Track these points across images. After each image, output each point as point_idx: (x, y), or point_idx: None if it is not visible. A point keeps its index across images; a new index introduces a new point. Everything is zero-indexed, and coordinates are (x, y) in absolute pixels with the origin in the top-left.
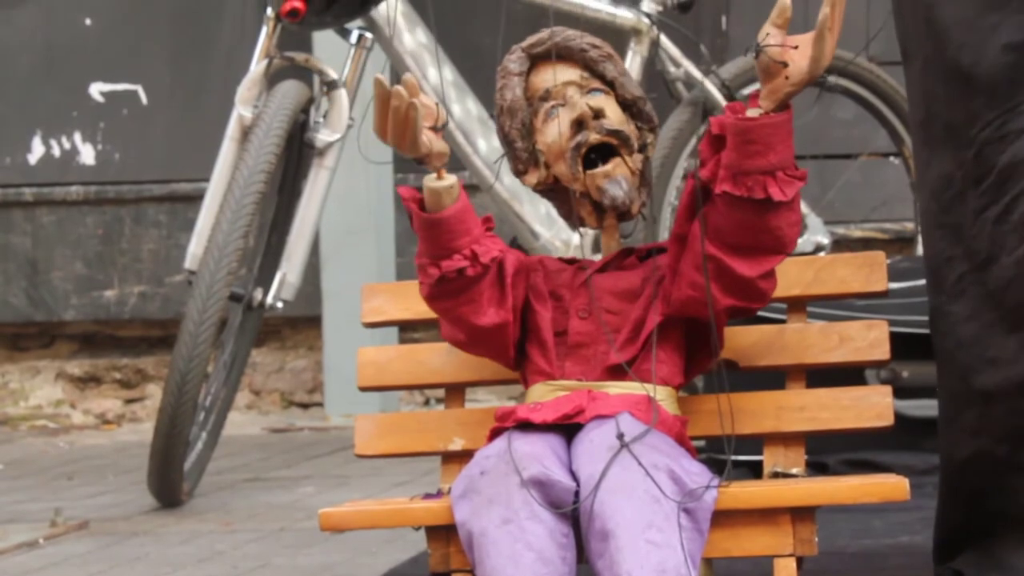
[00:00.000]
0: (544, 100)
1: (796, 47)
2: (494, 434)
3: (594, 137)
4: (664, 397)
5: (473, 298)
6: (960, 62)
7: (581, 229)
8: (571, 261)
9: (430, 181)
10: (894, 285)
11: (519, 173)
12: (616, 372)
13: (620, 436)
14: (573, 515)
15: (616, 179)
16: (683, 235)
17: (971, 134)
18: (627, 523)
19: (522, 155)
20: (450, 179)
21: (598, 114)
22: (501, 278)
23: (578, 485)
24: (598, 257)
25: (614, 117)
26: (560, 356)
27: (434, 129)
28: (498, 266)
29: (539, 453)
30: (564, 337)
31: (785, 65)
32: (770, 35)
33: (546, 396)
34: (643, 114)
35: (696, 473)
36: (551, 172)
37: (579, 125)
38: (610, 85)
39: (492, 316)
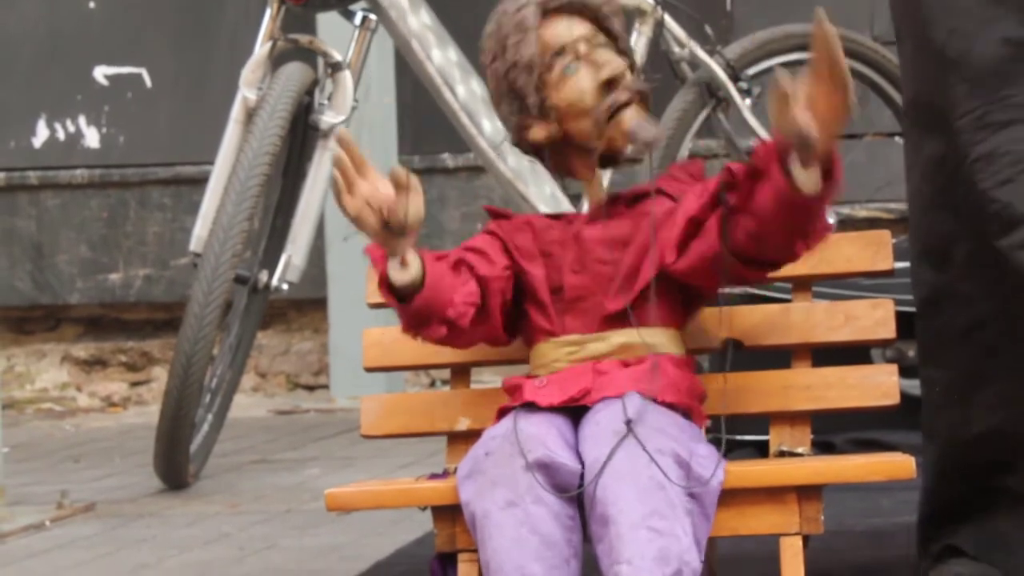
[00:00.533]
0: (558, 55)
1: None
2: (501, 413)
3: (624, 96)
4: (666, 340)
5: (460, 337)
6: (947, 47)
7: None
8: (558, 216)
9: (396, 274)
10: (899, 264)
11: (523, 128)
12: (615, 321)
13: (628, 422)
14: (579, 497)
15: (642, 122)
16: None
17: (951, 120)
18: (629, 510)
19: (532, 110)
20: (414, 266)
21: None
22: (484, 311)
23: (583, 468)
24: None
25: (628, 73)
26: (559, 312)
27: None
28: (478, 306)
29: (544, 435)
30: (561, 293)
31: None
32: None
33: (550, 355)
34: (635, 67)
35: (704, 456)
36: (562, 128)
37: (609, 84)
38: (614, 39)
39: (481, 336)
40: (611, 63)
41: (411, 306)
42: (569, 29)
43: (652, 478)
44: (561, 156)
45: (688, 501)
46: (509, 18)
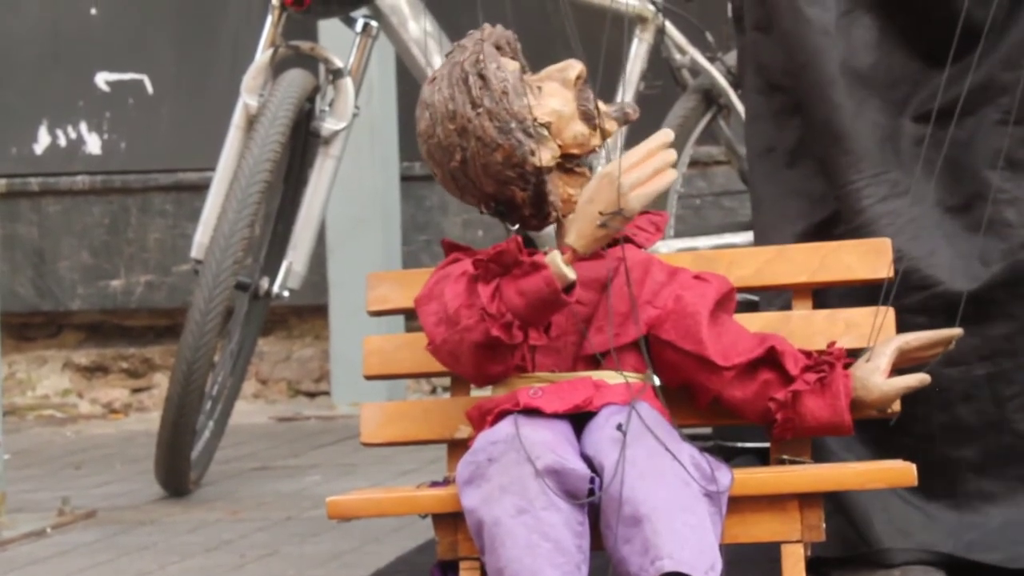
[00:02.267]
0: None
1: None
2: (497, 418)
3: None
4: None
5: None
6: (832, 120)
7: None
8: (530, 253)
9: (566, 269)
10: None
11: (523, 163)
12: (590, 362)
13: (619, 427)
14: (588, 503)
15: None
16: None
17: (835, 186)
18: (662, 507)
19: (531, 133)
20: (571, 270)
21: None
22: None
23: (594, 472)
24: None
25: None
26: (530, 348)
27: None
28: None
29: (551, 441)
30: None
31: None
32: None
33: (521, 388)
34: None
35: (708, 461)
36: (556, 142)
37: (577, 79)
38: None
39: (502, 365)
40: (571, 64)
41: (568, 300)
42: (511, 60)
43: (677, 476)
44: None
45: (707, 501)
46: (467, 62)
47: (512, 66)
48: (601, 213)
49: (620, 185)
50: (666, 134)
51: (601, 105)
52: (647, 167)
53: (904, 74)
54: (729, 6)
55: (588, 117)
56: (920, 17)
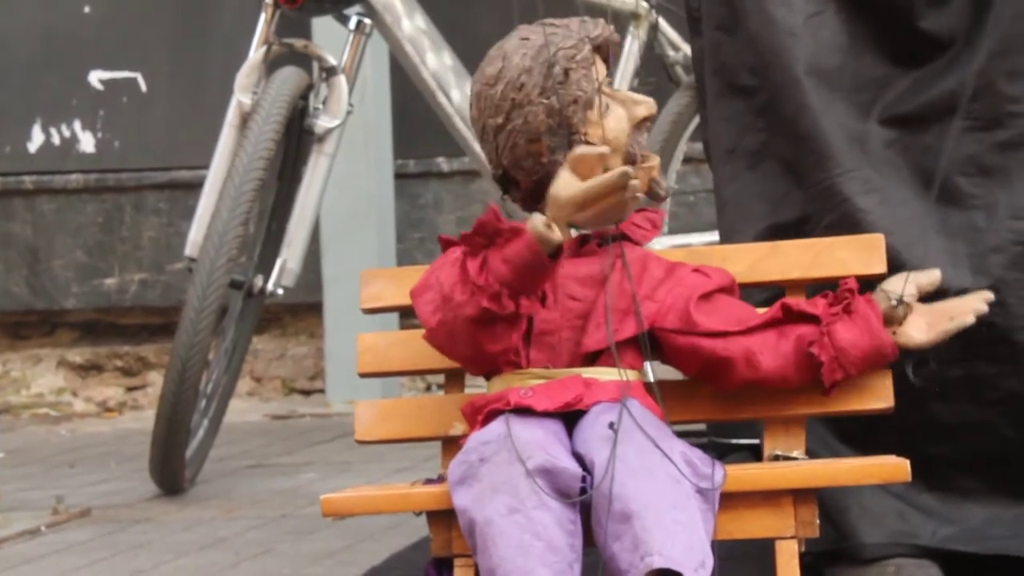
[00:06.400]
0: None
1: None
2: (488, 417)
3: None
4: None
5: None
6: (798, 122)
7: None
8: None
9: (549, 231)
10: None
11: (560, 159)
12: (586, 359)
13: (610, 425)
14: (580, 501)
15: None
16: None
17: (801, 185)
18: (652, 503)
19: (574, 148)
20: (557, 232)
21: None
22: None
23: (585, 470)
24: None
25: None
26: (524, 344)
27: None
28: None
29: (542, 440)
30: (529, 326)
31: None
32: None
33: (515, 384)
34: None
35: (701, 457)
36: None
37: (642, 122)
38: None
39: (499, 344)
40: (646, 101)
41: (552, 264)
42: (600, 67)
43: (667, 473)
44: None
45: (698, 498)
46: (563, 52)
47: (600, 73)
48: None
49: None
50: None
51: (644, 158)
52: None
53: (871, 77)
54: (686, 6)
55: (629, 159)
56: (886, 22)
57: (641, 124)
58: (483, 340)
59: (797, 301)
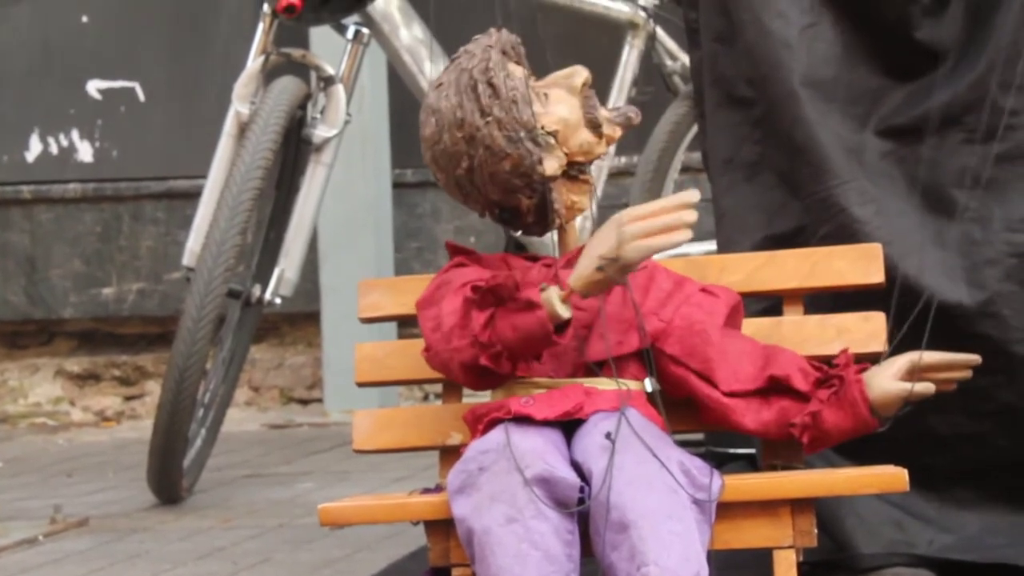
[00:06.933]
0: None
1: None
2: (488, 426)
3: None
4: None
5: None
6: (793, 133)
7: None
8: (533, 259)
9: (561, 308)
10: None
11: (530, 173)
12: (589, 368)
13: (607, 435)
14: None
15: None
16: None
17: (798, 196)
18: (649, 513)
19: (539, 143)
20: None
21: None
22: None
23: (584, 480)
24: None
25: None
26: None
27: None
28: None
29: (541, 449)
30: None
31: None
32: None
33: (519, 393)
34: None
35: (700, 467)
36: (563, 150)
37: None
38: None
39: (492, 384)
40: (574, 69)
41: (561, 340)
42: (516, 67)
43: (665, 483)
44: (558, 194)
45: (694, 509)
46: (476, 69)
47: (519, 72)
48: (601, 257)
49: (621, 233)
50: (692, 194)
51: (603, 111)
52: (657, 221)
53: (867, 88)
54: (683, 18)
55: (594, 125)
56: (881, 34)
57: (583, 89)
58: (474, 381)
59: (787, 372)
